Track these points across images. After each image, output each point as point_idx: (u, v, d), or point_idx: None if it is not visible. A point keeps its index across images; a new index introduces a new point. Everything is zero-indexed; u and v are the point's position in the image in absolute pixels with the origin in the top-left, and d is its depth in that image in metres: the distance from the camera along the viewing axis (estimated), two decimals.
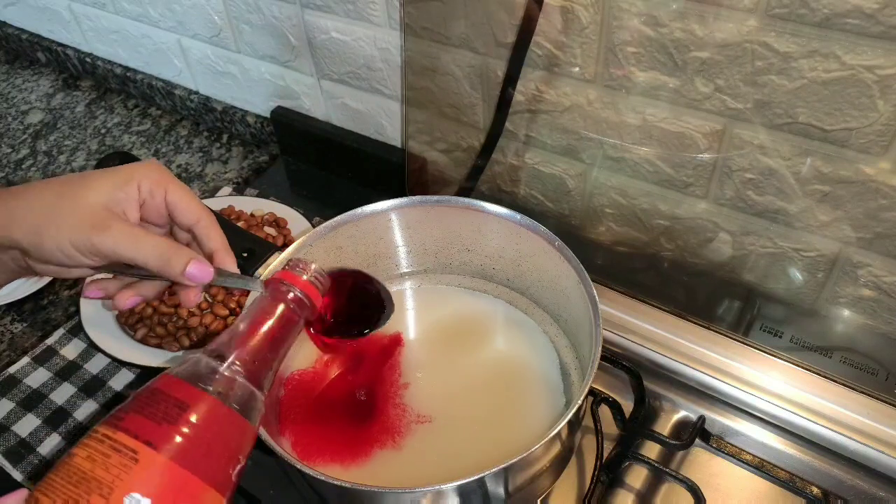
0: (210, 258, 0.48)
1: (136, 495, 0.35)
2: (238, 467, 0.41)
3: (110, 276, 0.49)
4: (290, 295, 0.47)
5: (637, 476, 0.60)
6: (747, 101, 0.57)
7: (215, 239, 0.49)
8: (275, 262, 0.58)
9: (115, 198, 0.46)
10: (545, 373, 0.63)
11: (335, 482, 0.46)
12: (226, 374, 0.42)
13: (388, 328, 0.65)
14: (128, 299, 0.48)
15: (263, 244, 0.61)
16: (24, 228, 0.45)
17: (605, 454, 0.59)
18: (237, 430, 0.41)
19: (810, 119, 0.55)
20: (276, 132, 0.98)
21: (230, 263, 0.49)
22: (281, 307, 0.46)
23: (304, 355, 0.66)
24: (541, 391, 0.62)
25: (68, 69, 1.22)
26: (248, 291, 0.58)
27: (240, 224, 0.80)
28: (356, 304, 0.56)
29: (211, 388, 0.40)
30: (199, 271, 0.46)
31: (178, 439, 0.37)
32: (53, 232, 0.44)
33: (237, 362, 0.42)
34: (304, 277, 0.47)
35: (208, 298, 0.76)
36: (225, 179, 0.98)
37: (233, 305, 0.75)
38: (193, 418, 0.38)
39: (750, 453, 0.60)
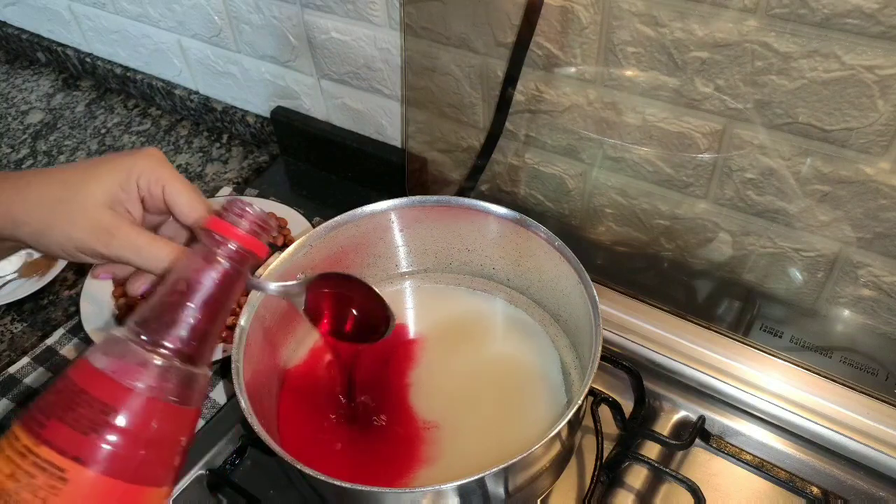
0: None
1: None
2: (181, 452, 0.37)
3: None
4: (228, 251, 0.39)
5: (637, 476, 0.60)
6: (747, 101, 0.57)
7: None
8: (275, 263, 0.58)
9: (118, 198, 0.46)
10: (546, 372, 0.63)
11: (335, 482, 0.46)
12: (156, 363, 0.35)
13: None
14: (140, 287, 0.48)
15: None
16: (26, 228, 0.45)
17: (605, 454, 0.59)
18: (176, 422, 0.36)
19: (810, 119, 0.55)
20: (276, 132, 0.98)
21: None
22: (217, 267, 0.39)
23: (302, 350, 0.66)
24: (541, 391, 0.62)
25: (68, 69, 1.22)
26: (249, 291, 0.58)
27: None
28: (361, 312, 0.56)
29: (141, 384, 0.35)
30: None
31: (109, 450, 0.33)
32: (57, 234, 0.45)
33: (169, 343, 0.36)
34: (243, 227, 0.39)
35: None
36: (225, 179, 0.98)
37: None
38: (123, 423, 0.34)
39: (750, 453, 0.60)
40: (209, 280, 0.38)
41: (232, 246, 0.39)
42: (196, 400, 0.38)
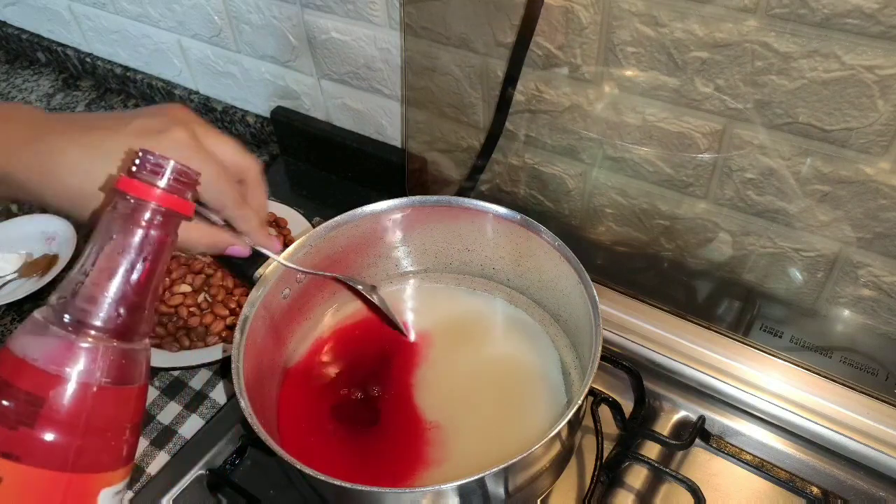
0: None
1: None
2: (130, 432, 0.35)
3: None
4: (148, 215, 0.35)
5: (637, 476, 0.60)
6: (747, 101, 0.57)
7: (242, 225, 0.50)
8: (275, 263, 0.58)
9: None
10: (546, 372, 0.63)
11: (335, 482, 0.46)
12: (83, 345, 0.32)
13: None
14: None
15: None
16: (58, 209, 0.45)
17: (605, 454, 0.59)
18: (116, 404, 0.34)
19: (810, 119, 0.55)
20: (276, 132, 0.98)
21: (264, 242, 0.52)
22: (138, 234, 0.35)
23: (302, 349, 0.66)
24: (541, 391, 0.62)
25: (68, 69, 1.22)
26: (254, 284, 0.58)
27: None
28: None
29: (69, 370, 0.32)
30: (238, 251, 0.50)
31: (44, 443, 0.31)
32: (90, 218, 0.44)
33: (95, 321, 0.33)
34: (162, 185, 0.35)
35: (208, 298, 0.76)
36: None
37: (233, 306, 0.75)
38: (55, 413, 0.31)
39: (750, 453, 0.60)
40: (130, 249, 0.34)
41: (151, 209, 0.35)
42: (137, 376, 0.35)
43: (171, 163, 0.36)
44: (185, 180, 0.36)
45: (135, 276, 0.34)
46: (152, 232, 0.35)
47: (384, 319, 0.65)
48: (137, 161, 0.36)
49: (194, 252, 0.49)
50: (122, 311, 0.34)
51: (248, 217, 0.50)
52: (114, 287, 0.34)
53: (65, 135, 0.44)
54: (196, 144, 0.45)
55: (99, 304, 0.33)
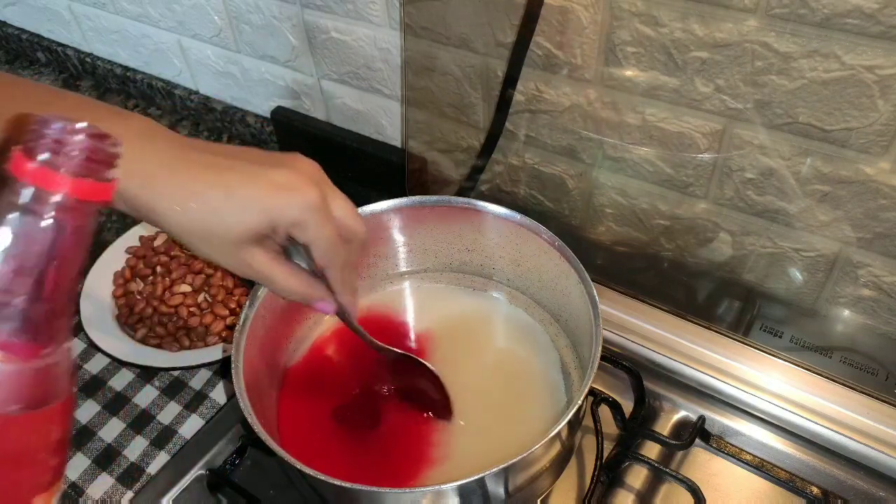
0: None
1: None
2: (56, 451, 0.30)
3: None
4: (52, 206, 0.27)
5: (637, 476, 0.60)
6: (747, 101, 0.57)
7: (338, 287, 0.50)
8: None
9: (264, 234, 0.45)
10: (546, 372, 0.63)
11: (335, 482, 0.46)
12: None
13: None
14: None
15: None
16: (188, 243, 0.44)
17: (605, 454, 0.59)
18: (33, 429, 0.28)
19: (810, 119, 0.55)
20: (276, 132, 0.98)
21: (350, 306, 0.52)
22: (43, 230, 0.27)
23: (302, 349, 0.66)
24: (541, 391, 0.62)
25: (68, 69, 1.22)
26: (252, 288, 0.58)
27: None
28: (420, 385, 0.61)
29: None
30: (325, 308, 0.51)
31: None
32: (210, 256, 0.45)
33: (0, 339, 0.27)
34: (69, 168, 0.27)
35: (208, 298, 0.76)
36: None
37: (233, 306, 0.75)
38: None
39: (750, 453, 0.60)
40: (33, 247, 0.27)
41: (58, 199, 0.27)
42: (58, 392, 0.29)
43: (81, 136, 0.27)
44: (100, 157, 0.28)
45: (42, 279, 0.27)
46: (62, 225, 0.27)
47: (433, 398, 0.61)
48: (35, 133, 0.26)
49: (288, 299, 0.49)
50: (29, 322, 0.27)
51: (346, 282, 0.50)
52: (16, 294, 0.27)
53: (200, 176, 0.43)
54: (325, 207, 0.45)
55: (4, 316, 0.26)
